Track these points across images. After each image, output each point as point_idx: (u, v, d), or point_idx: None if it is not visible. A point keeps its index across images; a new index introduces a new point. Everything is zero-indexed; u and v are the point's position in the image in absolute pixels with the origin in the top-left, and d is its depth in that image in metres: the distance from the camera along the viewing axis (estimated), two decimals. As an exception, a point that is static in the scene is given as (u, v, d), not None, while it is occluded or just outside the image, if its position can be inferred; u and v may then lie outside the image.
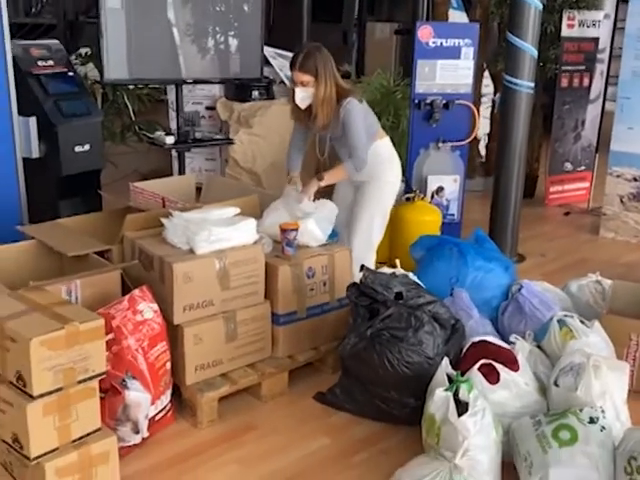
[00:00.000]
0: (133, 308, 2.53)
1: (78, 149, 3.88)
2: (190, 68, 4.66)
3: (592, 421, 2.27)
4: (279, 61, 6.40)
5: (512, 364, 2.50)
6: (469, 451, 2.19)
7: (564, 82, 5.79)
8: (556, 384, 2.49)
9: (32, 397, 2.08)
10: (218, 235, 2.72)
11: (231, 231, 2.77)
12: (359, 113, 3.21)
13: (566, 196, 6.09)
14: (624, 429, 2.37)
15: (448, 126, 4.47)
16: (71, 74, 3.97)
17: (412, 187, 4.51)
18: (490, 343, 2.60)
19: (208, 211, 2.91)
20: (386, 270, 3.18)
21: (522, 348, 2.74)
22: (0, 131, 3.58)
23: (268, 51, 6.23)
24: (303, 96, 3.18)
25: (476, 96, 6.26)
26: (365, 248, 3.38)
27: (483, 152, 6.92)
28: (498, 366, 2.48)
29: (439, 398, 2.32)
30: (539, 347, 2.86)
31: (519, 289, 3.24)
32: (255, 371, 2.87)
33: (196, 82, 4.96)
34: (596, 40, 5.81)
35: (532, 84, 4.40)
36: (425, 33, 4.34)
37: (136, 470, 2.45)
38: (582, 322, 2.84)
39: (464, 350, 2.64)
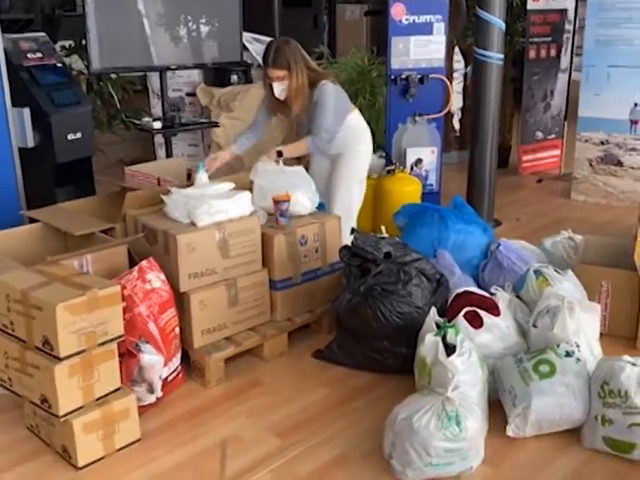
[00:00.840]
0: (142, 278, 2.72)
1: (71, 137, 4.04)
2: (168, 55, 4.81)
3: (568, 354, 2.51)
4: (255, 45, 6.55)
5: (493, 310, 2.73)
6: (459, 387, 2.42)
7: (532, 54, 6.01)
8: (534, 326, 2.73)
9: (59, 359, 2.27)
10: (217, 207, 2.91)
11: (229, 203, 2.96)
12: (331, 95, 3.45)
13: (538, 164, 6.34)
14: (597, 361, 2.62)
15: (424, 100, 4.67)
16: (59, 65, 4.11)
17: (392, 160, 4.71)
18: (473, 293, 2.83)
19: (205, 187, 3.09)
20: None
21: (502, 298, 2.96)
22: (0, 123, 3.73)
23: (245, 36, 6.37)
24: (280, 89, 3.43)
25: (448, 71, 6.50)
26: (346, 215, 3.59)
27: (457, 126, 7.14)
28: (481, 312, 2.71)
29: (429, 342, 2.54)
30: (518, 297, 3.09)
31: (497, 247, 3.48)
32: (257, 333, 3.08)
33: (179, 68, 5.11)
34: (563, 11, 6.04)
35: (502, 55, 4.62)
36: (398, 11, 4.53)
37: (154, 426, 2.65)
38: (556, 271, 3.08)
39: (449, 301, 2.87)
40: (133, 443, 2.53)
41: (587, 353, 2.63)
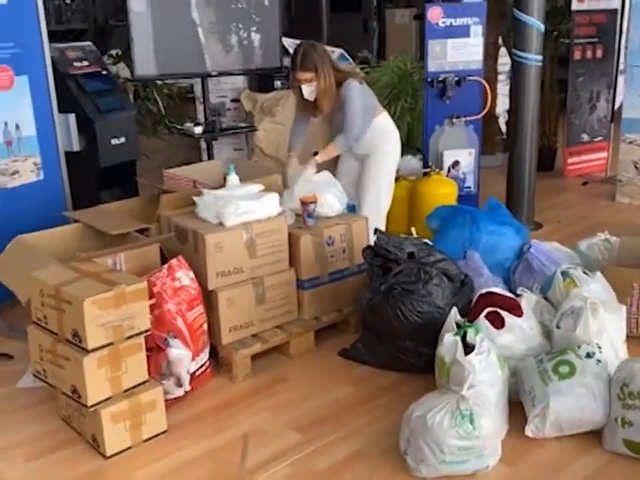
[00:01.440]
0: (172, 276, 2.82)
1: (114, 142, 4.20)
2: (214, 62, 4.95)
3: (589, 355, 2.50)
4: (299, 51, 6.65)
5: (516, 310, 2.73)
6: (476, 386, 2.42)
7: (577, 55, 5.93)
8: (558, 327, 2.71)
9: (87, 351, 2.39)
10: (245, 208, 2.99)
11: (256, 204, 3.04)
12: (357, 93, 3.55)
13: (584, 166, 6.23)
14: (620, 363, 2.58)
15: (461, 102, 4.68)
16: (105, 73, 4.29)
17: (429, 162, 4.73)
18: (496, 293, 2.83)
19: (235, 188, 3.18)
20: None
21: (529, 299, 2.96)
22: (43, 128, 3.91)
23: (288, 42, 6.49)
24: (310, 91, 3.54)
25: (492, 73, 6.47)
26: (375, 216, 3.64)
27: (504, 128, 7.08)
28: (503, 313, 2.71)
29: (448, 342, 2.55)
30: (546, 299, 3.07)
31: (528, 248, 3.46)
32: (283, 331, 3.14)
33: (220, 75, 5.24)
34: (611, 12, 5.93)
35: (540, 57, 4.59)
36: (435, 14, 4.55)
37: (181, 419, 2.74)
38: (585, 273, 3.05)
39: (473, 301, 2.88)
40: (159, 435, 2.63)
41: (611, 355, 2.60)
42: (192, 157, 5.90)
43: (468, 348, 2.51)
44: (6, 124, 3.73)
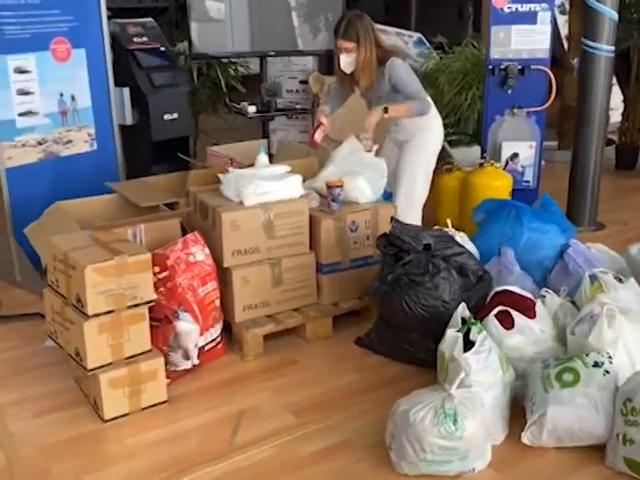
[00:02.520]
0: (186, 250, 2.86)
1: (167, 117, 4.30)
2: (271, 41, 4.96)
3: (596, 365, 2.34)
4: (387, 37, 6.56)
5: (528, 311, 2.59)
6: (471, 386, 2.34)
7: (666, 47, 5.54)
8: (573, 333, 2.56)
9: (88, 316, 2.46)
10: (264, 188, 2.99)
11: (277, 185, 3.03)
12: (405, 68, 3.46)
13: (668, 167, 5.84)
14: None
15: (524, 92, 4.46)
16: (163, 49, 4.39)
17: (485, 153, 4.56)
18: (511, 292, 2.70)
19: (261, 168, 3.18)
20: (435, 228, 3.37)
21: (552, 301, 2.82)
22: (99, 100, 4.06)
23: (377, 28, 6.43)
24: (347, 62, 3.43)
25: (569, 64, 6.16)
26: (408, 204, 3.56)
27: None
28: (514, 312, 2.58)
29: (450, 337, 2.47)
30: (572, 302, 2.91)
31: (566, 248, 3.28)
32: (300, 314, 3.13)
33: (277, 55, 5.23)
34: None
35: (612, 47, 4.32)
36: (500, -1, 4.36)
37: (184, 391, 2.79)
38: (617, 278, 2.86)
39: (488, 298, 2.76)
40: (159, 404, 2.68)
41: (626, 366, 2.43)
42: (253, 138, 5.95)
43: (470, 346, 2.43)
44: (62, 95, 3.88)
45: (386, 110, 3.40)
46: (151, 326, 2.73)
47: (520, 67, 4.41)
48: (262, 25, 4.91)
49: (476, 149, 5.05)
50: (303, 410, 2.65)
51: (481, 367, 2.36)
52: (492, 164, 4.37)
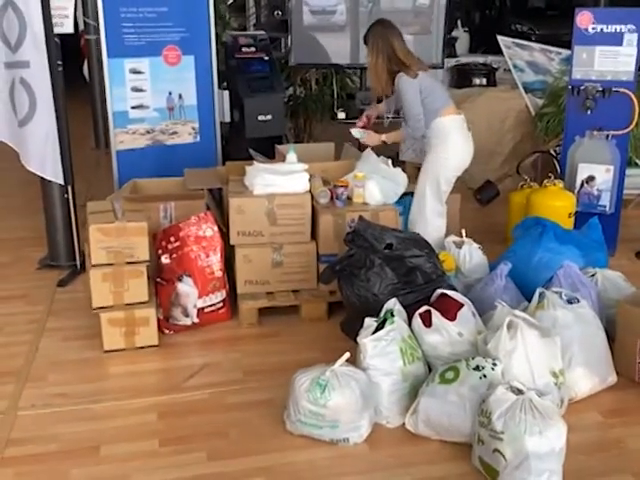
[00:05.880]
0: (198, 226, 3.43)
1: (261, 118, 4.89)
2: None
3: (477, 368, 2.48)
4: (513, 50, 6.60)
5: (448, 314, 2.75)
6: (368, 369, 2.61)
7: None
8: (484, 339, 2.68)
9: (92, 265, 3.13)
10: (269, 181, 3.46)
11: (282, 180, 3.47)
12: (407, 86, 3.60)
13: None
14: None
15: (606, 114, 4.36)
16: (266, 58, 4.99)
17: (564, 173, 4.52)
18: (446, 295, 2.86)
19: (281, 165, 3.64)
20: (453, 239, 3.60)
21: (501, 313, 2.91)
22: (203, 100, 4.78)
23: (504, 40, 6.50)
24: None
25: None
26: (418, 214, 3.76)
27: None
28: (434, 313, 2.76)
29: (367, 325, 2.75)
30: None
31: (559, 269, 3.29)
32: (296, 296, 3.53)
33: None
34: None
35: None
36: (584, 19, 4.31)
37: (176, 341, 3.36)
38: (570, 302, 2.87)
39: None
40: (151, 347, 3.27)
41: (526, 377, 2.49)
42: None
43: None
44: (170, 93, 4.66)
45: (384, 141, 3.77)
46: (160, 284, 3.36)
47: (601, 89, 4.33)
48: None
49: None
50: (253, 372, 3.08)
51: (377, 353, 2.62)
52: (555, 184, 4.35)
